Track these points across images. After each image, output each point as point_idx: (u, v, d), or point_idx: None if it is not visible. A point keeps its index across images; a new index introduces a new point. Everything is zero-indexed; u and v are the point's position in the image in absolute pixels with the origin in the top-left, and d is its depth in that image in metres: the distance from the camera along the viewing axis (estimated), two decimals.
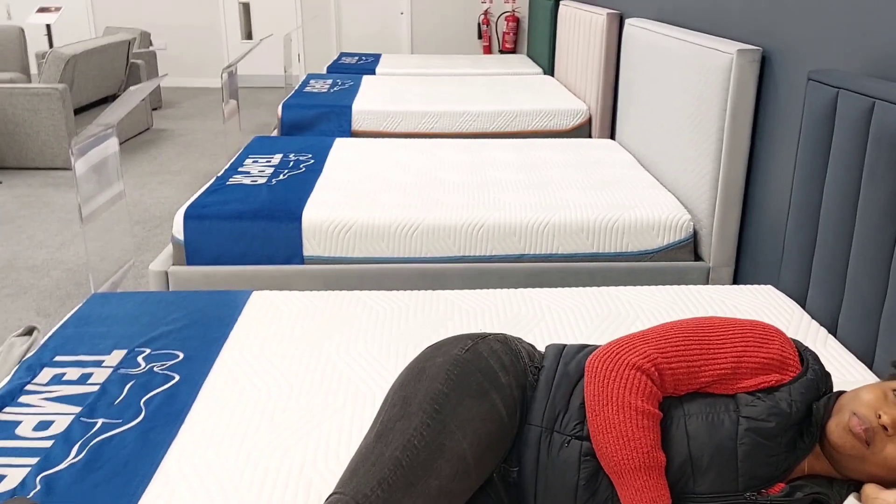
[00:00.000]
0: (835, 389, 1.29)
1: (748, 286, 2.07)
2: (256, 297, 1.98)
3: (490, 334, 1.28)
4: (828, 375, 1.19)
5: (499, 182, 2.96)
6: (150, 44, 7.02)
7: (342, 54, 6.48)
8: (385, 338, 1.77)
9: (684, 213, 2.60)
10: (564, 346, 1.30)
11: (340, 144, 3.52)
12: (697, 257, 2.64)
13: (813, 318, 1.86)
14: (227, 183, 2.87)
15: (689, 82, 2.68)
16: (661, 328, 1.20)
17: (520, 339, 1.32)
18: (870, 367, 1.65)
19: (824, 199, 1.82)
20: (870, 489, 1.06)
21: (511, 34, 7.20)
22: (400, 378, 1.22)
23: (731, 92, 2.38)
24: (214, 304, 1.93)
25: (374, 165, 3.17)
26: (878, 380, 1.54)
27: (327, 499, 1.04)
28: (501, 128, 4.14)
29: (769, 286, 2.06)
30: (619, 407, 1.10)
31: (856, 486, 1.12)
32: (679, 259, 2.60)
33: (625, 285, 2.53)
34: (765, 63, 2.36)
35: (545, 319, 1.87)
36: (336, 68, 5.84)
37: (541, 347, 1.67)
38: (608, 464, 1.11)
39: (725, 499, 1.10)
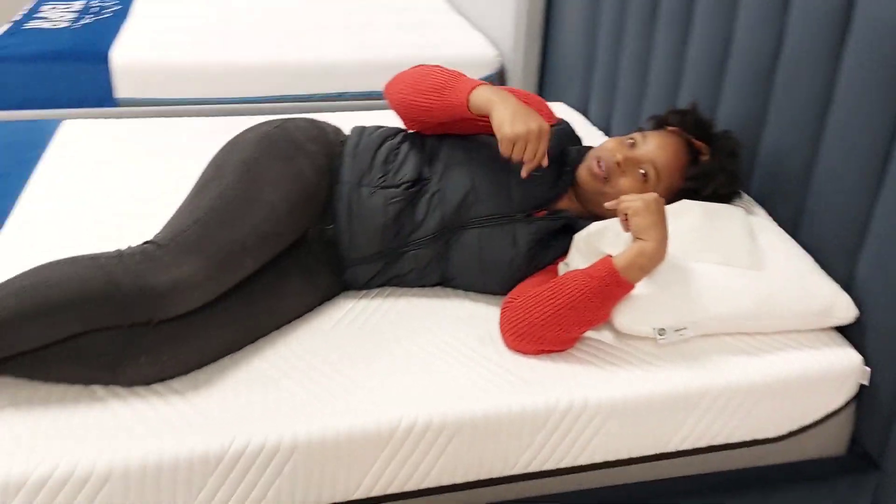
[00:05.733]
0: None
1: None
2: (67, 125, 1.96)
3: (297, 116, 1.41)
4: (579, 137, 1.45)
5: (321, 26, 2.97)
6: None
7: None
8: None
9: (492, 50, 2.79)
10: (365, 126, 1.45)
11: None
12: None
13: (593, 125, 2.15)
14: (25, 27, 2.70)
15: None
16: None
17: (326, 122, 1.46)
18: None
19: (602, 20, 2.07)
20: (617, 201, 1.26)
21: None
22: (214, 155, 1.33)
23: None
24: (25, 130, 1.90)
25: (187, 8, 3.07)
26: None
27: (143, 243, 1.13)
28: None
29: (560, 103, 2.32)
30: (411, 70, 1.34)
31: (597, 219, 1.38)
32: None
33: None
34: None
35: None
36: None
37: None
38: (424, 101, 1.30)
39: (503, 219, 1.31)
